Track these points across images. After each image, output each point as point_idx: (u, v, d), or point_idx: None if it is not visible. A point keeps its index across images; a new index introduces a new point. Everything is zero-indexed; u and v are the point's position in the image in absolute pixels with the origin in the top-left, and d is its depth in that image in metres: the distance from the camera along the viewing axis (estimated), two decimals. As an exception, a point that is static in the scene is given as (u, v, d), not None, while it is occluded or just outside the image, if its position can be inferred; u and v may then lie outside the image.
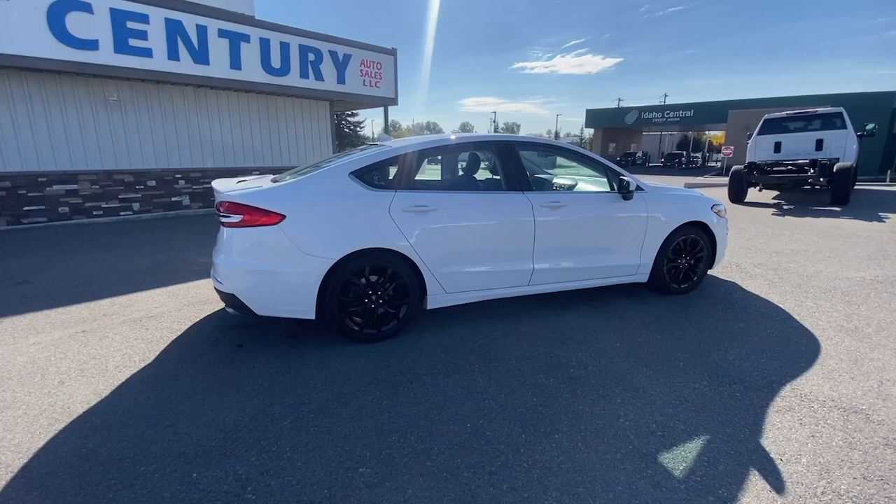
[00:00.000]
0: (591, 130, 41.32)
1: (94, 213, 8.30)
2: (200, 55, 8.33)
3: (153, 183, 8.82)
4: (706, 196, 4.27)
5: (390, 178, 3.26)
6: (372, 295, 3.01)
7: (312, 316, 2.90)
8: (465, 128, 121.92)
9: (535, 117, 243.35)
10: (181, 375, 2.59)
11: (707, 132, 50.74)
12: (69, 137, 7.89)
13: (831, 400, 2.32)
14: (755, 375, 2.58)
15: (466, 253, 3.27)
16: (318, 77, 10.13)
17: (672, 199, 3.99)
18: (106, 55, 7.34)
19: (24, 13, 6.57)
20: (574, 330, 3.26)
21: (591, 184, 4.15)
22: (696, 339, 3.09)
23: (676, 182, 21.95)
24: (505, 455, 1.89)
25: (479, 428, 2.08)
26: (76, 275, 4.66)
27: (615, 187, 3.72)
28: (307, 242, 2.84)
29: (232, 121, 9.78)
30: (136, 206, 8.68)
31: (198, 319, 3.45)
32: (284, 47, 9.46)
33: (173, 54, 8.01)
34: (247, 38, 8.89)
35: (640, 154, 41.71)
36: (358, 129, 62.60)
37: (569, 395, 2.37)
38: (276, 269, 2.84)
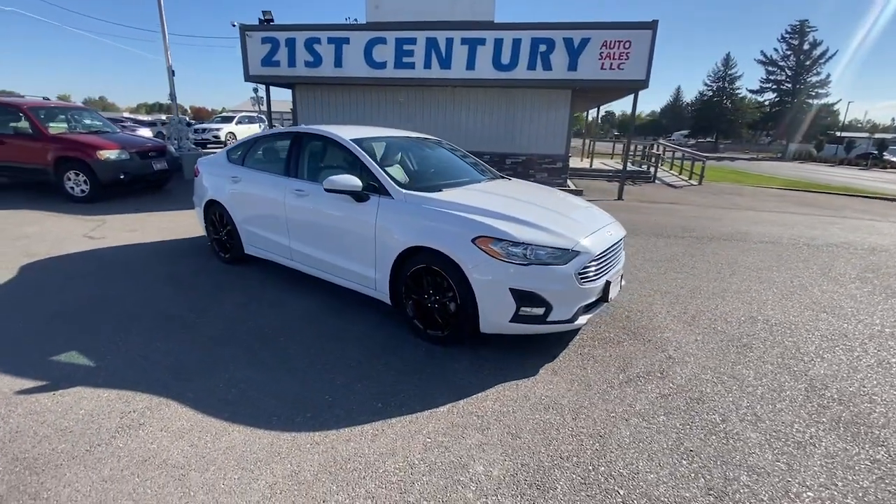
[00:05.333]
0: None
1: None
2: (445, 62, 10.78)
3: (415, 157, 12.46)
4: (486, 221, 3.02)
5: (238, 155, 4.77)
6: (223, 231, 4.84)
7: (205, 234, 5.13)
8: None
9: None
10: (170, 249, 5.53)
11: None
12: (373, 125, 12.53)
13: None
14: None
15: (253, 218, 4.44)
16: (546, 67, 10.41)
17: (416, 212, 3.24)
18: (390, 71, 11.10)
19: (354, 50, 11.13)
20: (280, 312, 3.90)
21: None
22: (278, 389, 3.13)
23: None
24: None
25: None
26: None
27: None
28: (203, 189, 4.99)
29: (479, 111, 11.85)
30: (403, 172, 12.67)
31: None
32: (516, 43, 10.38)
33: (427, 64, 10.87)
34: (483, 42, 10.51)
35: None
36: (764, 107, 49.15)
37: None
38: (197, 203, 5.18)
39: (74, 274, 4.50)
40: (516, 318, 2.94)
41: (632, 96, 11.57)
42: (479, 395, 2.66)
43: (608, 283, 3.20)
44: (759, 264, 5.53)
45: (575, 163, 19.15)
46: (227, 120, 20.93)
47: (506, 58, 10.52)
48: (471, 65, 10.69)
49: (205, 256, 5.17)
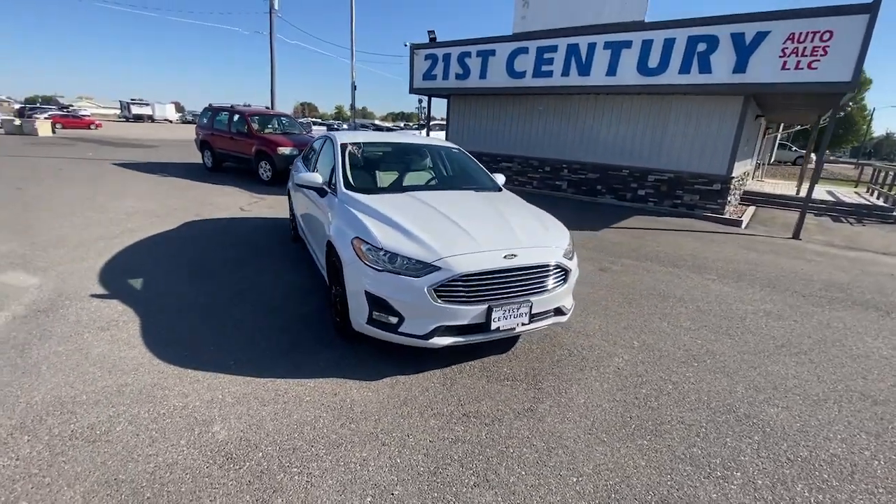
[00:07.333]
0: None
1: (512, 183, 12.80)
2: (584, 68, 10.09)
3: (548, 168, 11.98)
4: (367, 224, 3.19)
5: (304, 153, 5.83)
6: (291, 215, 6.08)
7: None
8: None
9: None
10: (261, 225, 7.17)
11: None
12: (511, 134, 12.55)
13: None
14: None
15: (296, 205, 5.42)
16: (704, 69, 8.63)
17: (339, 209, 3.60)
18: (528, 80, 11.03)
19: (497, 61, 11.45)
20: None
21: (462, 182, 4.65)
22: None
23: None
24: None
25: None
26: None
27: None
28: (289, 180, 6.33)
29: (621, 121, 10.63)
30: (534, 183, 12.34)
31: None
32: (668, 44, 8.94)
33: (565, 72, 10.37)
34: (628, 45, 9.41)
35: None
36: None
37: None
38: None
39: (201, 232, 6.37)
40: (371, 321, 2.99)
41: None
42: (303, 380, 2.86)
43: (490, 309, 2.88)
44: (872, 351, 3.66)
45: (783, 188, 15.19)
46: (421, 127, 24.08)
47: (653, 60, 9.27)
48: (611, 70, 9.82)
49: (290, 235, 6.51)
